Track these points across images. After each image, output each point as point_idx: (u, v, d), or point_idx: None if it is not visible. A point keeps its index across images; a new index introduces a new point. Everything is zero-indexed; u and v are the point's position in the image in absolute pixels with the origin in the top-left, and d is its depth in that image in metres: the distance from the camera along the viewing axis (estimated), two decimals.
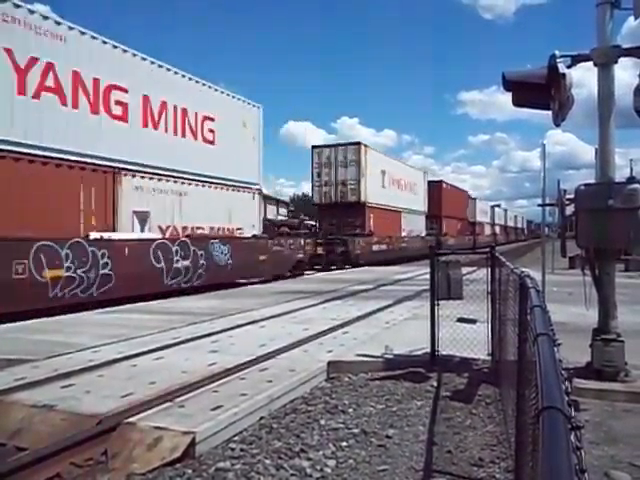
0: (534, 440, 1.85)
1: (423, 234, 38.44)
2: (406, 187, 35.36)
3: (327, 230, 26.62)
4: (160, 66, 14.84)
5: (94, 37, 12.60)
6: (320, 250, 24.16)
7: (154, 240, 13.53)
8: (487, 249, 6.70)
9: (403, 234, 34.38)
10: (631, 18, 5.47)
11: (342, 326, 8.60)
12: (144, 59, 14.22)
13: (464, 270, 6.99)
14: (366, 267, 25.46)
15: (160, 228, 14.29)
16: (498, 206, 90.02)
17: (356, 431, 4.45)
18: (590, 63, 5.62)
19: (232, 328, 8.53)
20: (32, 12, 11.04)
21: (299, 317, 9.75)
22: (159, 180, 14.43)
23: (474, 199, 58.36)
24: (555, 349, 1.61)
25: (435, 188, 42.16)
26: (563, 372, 1.44)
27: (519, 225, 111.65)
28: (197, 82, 16.35)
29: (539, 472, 0.94)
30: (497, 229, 73.16)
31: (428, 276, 6.66)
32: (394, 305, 11.25)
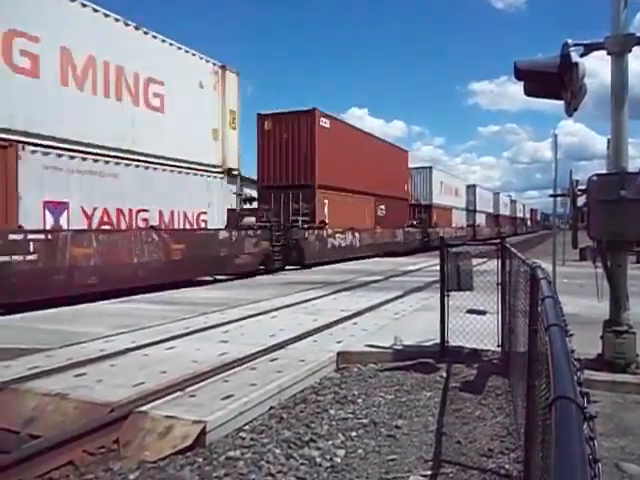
0: (544, 431, 1.85)
1: (214, 220, 15.79)
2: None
3: None
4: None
5: None
6: None
7: None
8: (497, 240, 6.68)
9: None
10: None
11: (351, 317, 8.61)
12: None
13: (474, 261, 6.96)
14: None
15: None
16: (506, 195, 74.28)
17: (365, 421, 4.47)
18: (602, 52, 5.54)
19: (242, 318, 8.56)
20: None
21: (309, 308, 9.78)
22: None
23: (428, 168, 38.12)
24: (567, 340, 1.61)
25: (298, 122, 21.22)
26: (575, 362, 1.44)
27: (519, 214, 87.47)
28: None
29: (552, 462, 0.94)
30: (481, 218, 55.02)
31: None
32: (403, 296, 11.24)
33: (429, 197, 37.86)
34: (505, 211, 71.88)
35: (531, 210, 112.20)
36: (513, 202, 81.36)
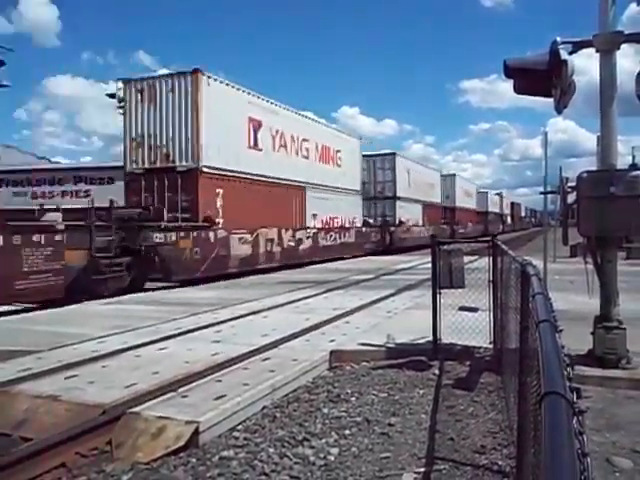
0: (536, 426, 1.86)
1: None
2: None
3: None
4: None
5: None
6: None
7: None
8: (489, 238, 6.72)
9: None
10: (633, 4, 5.45)
11: (344, 315, 8.62)
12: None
13: (466, 259, 6.99)
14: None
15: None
16: (468, 181, 54.69)
17: (359, 419, 4.47)
18: (591, 50, 5.58)
19: (234, 318, 8.55)
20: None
21: (301, 307, 9.77)
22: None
23: (187, 74, 15.85)
24: (557, 336, 1.61)
25: None
26: (565, 358, 1.44)
27: (492, 209, 64.81)
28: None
29: (542, 456, 0.94)
30: (412, 211, 34.69)
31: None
32: (396, 294, 11.27)
33: (190, 152, 16.07)
34: (467, 203, 51.30)
35: (512, 204, 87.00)
36: (483, 192, 61.14)
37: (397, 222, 31.94)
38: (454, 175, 48.02)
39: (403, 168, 33.53)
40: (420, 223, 36.58)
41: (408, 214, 34.02)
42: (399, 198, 32.61)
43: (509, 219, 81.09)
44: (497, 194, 70.82)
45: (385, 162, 32.21)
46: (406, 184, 33.76)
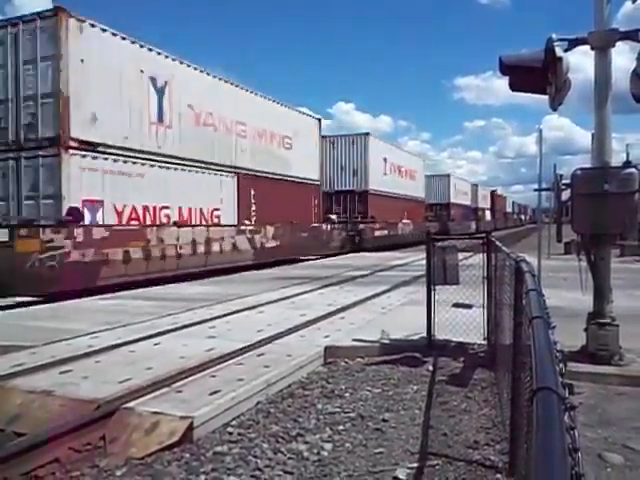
0: (529, 422, 1.87)
1: None
2: None
3: None
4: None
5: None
6: None
7: None
8: (483, 234, 6.73)
9: None
10: (628, 2, 5.46)
11: (339, 311, 8.63)
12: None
13: (460, 256, 7.00)
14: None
15: None
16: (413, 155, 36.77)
17: (353, 415, 4.49)
18: (587, 47, 5.59)
19: (229, 314, 8.54)
20: None
21: (296, 303, 9.77)
22: None
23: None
24: (550, 332, 1.62)
25: None
26: (557, 354, 1.45)
27: (463, 201, 50.94)
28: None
29: (533, 451, 0.95)
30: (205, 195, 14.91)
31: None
32: (391, 290, 11.28)
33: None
34: (402, 188, 33.61)
35: (492, 196, 68.35)
36: (440, 176, 46.70)
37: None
38: (366, 134, 28.86)
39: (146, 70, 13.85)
40: (232, 220, 17.40)
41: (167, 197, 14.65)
42: (241, 171, 16.88)
43: (488, 215, 64.27)
44: (490, 189, 61.51)
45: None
46: (163, 112, 14.51)
